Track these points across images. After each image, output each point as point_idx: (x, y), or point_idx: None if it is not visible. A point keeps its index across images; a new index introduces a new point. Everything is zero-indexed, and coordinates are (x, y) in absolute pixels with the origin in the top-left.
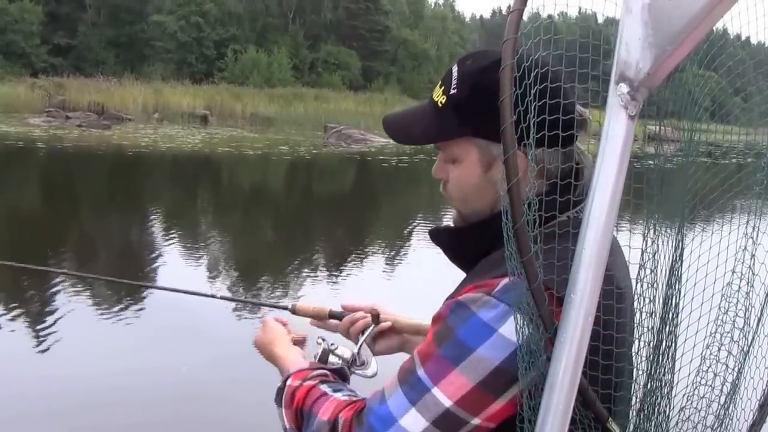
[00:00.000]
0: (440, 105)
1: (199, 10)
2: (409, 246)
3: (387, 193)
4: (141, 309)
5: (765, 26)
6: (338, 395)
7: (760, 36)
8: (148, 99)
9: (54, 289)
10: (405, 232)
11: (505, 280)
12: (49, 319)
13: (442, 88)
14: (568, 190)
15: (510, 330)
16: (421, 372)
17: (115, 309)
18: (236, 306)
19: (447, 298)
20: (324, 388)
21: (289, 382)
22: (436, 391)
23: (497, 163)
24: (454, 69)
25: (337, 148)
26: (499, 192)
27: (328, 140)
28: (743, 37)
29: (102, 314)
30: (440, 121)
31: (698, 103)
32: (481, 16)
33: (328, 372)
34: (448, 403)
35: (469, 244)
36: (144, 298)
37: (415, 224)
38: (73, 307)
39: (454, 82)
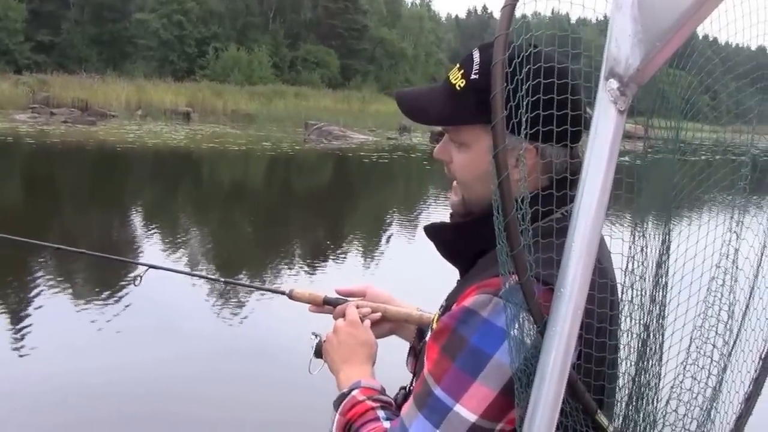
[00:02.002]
0: (458, 88)
1: (181, 9)
2: (396, 233)
3: (371, 186)
4: (123, 301)
5: (744, 27)
6: (386, 424)
7: (740, 38)
8: (131, 96)
9: (35, 283)
10: (394, 220)
11: (510, 280)
12: (28, 312)
13: (462, 71)
14: (570, 186)
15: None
16: (438, 391)
17: (97, 301)
18: (218, 300)
19: (444, 307)
20: (380, 413)
21: (354, 393)
22: (458, 408)
23: (508, 155)
24: (476, 54)
25: (318, 145)
26: None
27: (309, 137)
28: (711, 38)
29: (82, 307)
30: (457, 105)
31: (671, 101)
32: (457, 16)
33: (392, 402)
34: (473, 417)
35: (466, 240)
36: (126, 290)
37: (403, 213)
38: (52, 300)
39: (475, 67)
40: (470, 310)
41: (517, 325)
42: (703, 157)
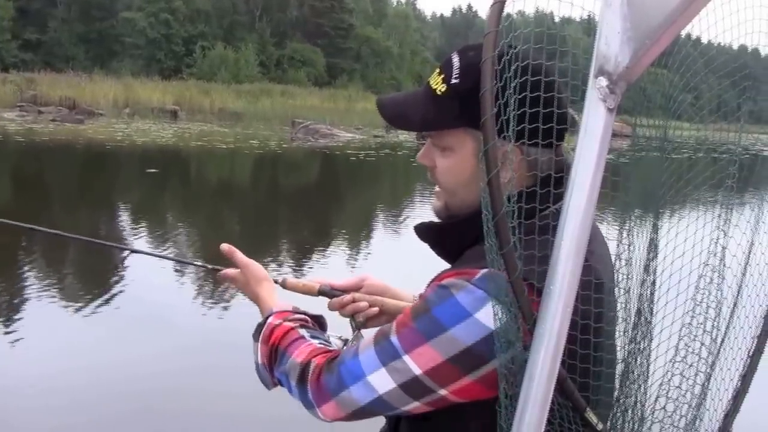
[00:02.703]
0: (439, 93)
1: (168, 7)
2: (387, 228)
3: (360, 184)
4: (111, 292)
5: (732, 26)
6: (314, 341)
7: (725, 38)
8: (119, 94)
9: (18, 278)
10: (384, 216)
11: (485, 270)
12: (11, 310)
13: (442, 76)
14: (557, 184)
15: (486, 315)
16: (394, 338)
17: (81, 299)
18: (206, 293)
19: (430, 282)
20: (302, 332)
21: (270, 319)
22: (406, 358)
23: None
24: (455, 59)
25: (306, 143)
26: None
27: (296, 135)
28: (693, 37)
29: (66, 304)
30: (439, 110)
31: (656, 99)
32: (442, 15)
33: (308, 318)
34: (417, 371)
35: (455, 238)
36: (113, 280)
37: (392, 209)
38: (36, 297)
39: (455, 71)
40: (443, 285)
41: (506, 319)
42: (689, 156)
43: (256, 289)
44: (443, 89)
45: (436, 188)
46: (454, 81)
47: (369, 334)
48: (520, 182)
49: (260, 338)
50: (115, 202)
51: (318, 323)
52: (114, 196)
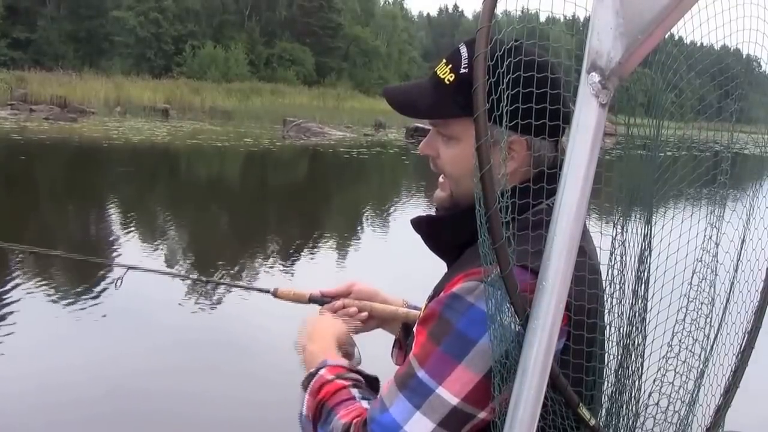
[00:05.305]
0: (447, 82)
1: (158, 6)
2: (386, 226)
3: (356, 181)
4: (103, 303)
5: (717, 27)
6: (363, 403)
7: (709, 38)
8: (110, 93)
9: (11, 284)
10: (382, 214)
11: (493, 270)
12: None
13: (450, 66)
14: (552, 180)
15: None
16: (421, 374)
17: (76, 304)
18: (203, 301)
19: (431, 296)
20: (354, 392)
21: (321, 372)
22: (441, 390)
23: (497, 147)
24: (463, 49)
25: (298, 141)
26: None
27: (288, 133)
28: (676, 37)
29: (62, 309)
30: (446, 98)
31: (633, 97)
32: (428, 14)
33: (362, 378)
34: (454, 401)
35: (452, 233)
36: (106, 292)
37: (390, 206)
38: (20, 298)
39: (464, 61)
40: (457, 295)
41: (500, 316)
42: (672, 154)
43: (324, 333)
44: (451, 78)
45: (441, 178)
46: (463, 71)
47: (387, 382)
48: (526, 176)
49: (309, 389)
50: (114, 205)
51: (371, 386)
52: (111, 197)
